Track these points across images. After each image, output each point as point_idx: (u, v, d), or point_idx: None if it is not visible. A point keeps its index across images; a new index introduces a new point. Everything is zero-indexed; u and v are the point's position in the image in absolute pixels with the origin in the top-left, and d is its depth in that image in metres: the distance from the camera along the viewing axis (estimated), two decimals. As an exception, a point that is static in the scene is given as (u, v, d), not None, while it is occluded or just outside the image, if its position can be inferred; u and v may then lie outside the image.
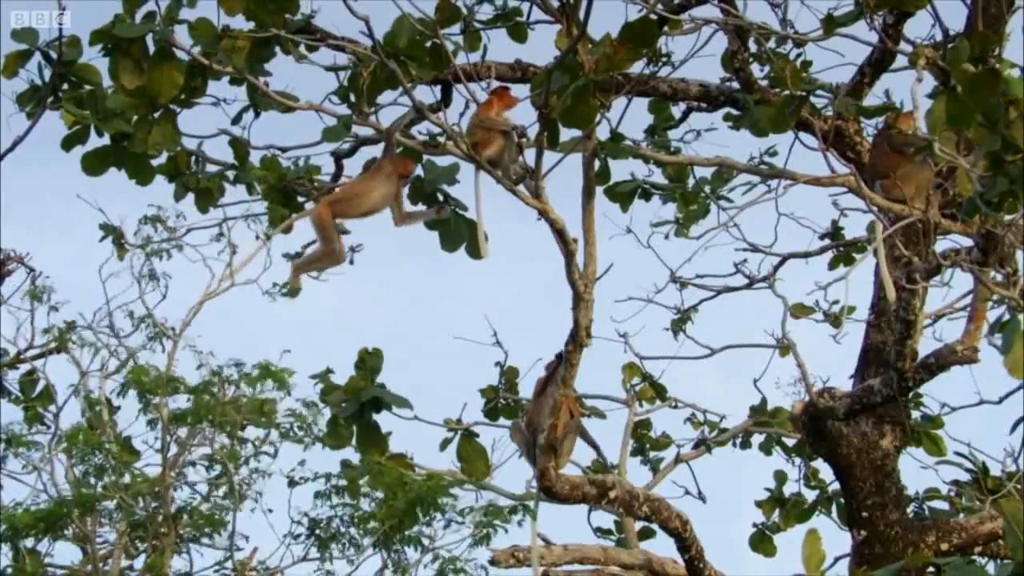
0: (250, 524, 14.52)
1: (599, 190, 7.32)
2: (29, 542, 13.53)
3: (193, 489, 14.28)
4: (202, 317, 15.36)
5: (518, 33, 7.43)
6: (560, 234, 5.84)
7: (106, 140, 6.05)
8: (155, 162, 6.24)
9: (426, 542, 13.72)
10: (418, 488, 13.18)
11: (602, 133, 6.98)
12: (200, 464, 14.30)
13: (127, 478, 13.87)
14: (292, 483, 13.96)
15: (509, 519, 13.45)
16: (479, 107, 6.27)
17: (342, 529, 13.94)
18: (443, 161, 6.48)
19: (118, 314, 15.14)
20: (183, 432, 14.25)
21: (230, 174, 7.08)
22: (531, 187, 5.88)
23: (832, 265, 8.89)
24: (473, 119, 6.33)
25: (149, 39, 5.70)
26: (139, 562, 14.14)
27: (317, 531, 14.01)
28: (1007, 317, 5.50)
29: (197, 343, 14.73)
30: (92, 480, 13.82)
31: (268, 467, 14.20)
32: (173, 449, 14.24)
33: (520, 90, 7.49)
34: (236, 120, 6.66)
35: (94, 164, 6.09)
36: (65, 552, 14.16)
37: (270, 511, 14.21)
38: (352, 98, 6.24)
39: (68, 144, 6.03)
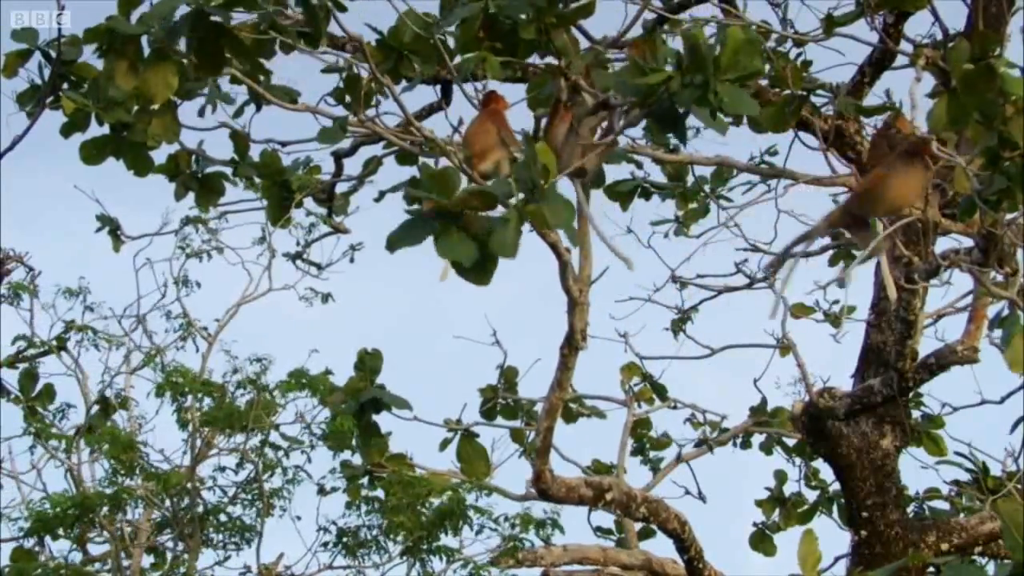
0: (277, 529, 14.47)
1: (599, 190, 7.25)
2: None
3: (223, 491, 14.19)
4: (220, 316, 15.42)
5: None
6: (553, 247, 5.79)
7: (106, 129, 6.01)
8: (155, 162, 6.21)
9: (454, 549, 13.62)
10: (448, 502, 13.12)
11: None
12: (229, 469, 14.25)
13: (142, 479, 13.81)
14: (322, 491, 13.87)
15: (540, 530, 13.37)
16: (488, 114, 6.04)
17: (370, 537, 13.88)
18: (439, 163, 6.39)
19: (144, 312, 15.24)
20: (214, 436, 14.17)
21: (230, 171, 7.06)
22: None
23: (832, 262, 8.88)
24: (475, 125, 6.16)
25: (144, 40, 5.65)
26: (145, 562, 14.10)
27: (345, 539, 13.95)
28: (1007, 312, 5.51)
29: (232, 347, 14.76)
30: (119, 478, 13.75)
31: (297, 474, 14.08)
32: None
33: (513, 90, 7.48)
34: (237, 114, 6.62)
35: (92, 153, 6.01)
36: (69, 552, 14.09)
37: (298, 518, 14.19)
38: (348, 99, 6.19)
39: (67, 131, 5.98)
